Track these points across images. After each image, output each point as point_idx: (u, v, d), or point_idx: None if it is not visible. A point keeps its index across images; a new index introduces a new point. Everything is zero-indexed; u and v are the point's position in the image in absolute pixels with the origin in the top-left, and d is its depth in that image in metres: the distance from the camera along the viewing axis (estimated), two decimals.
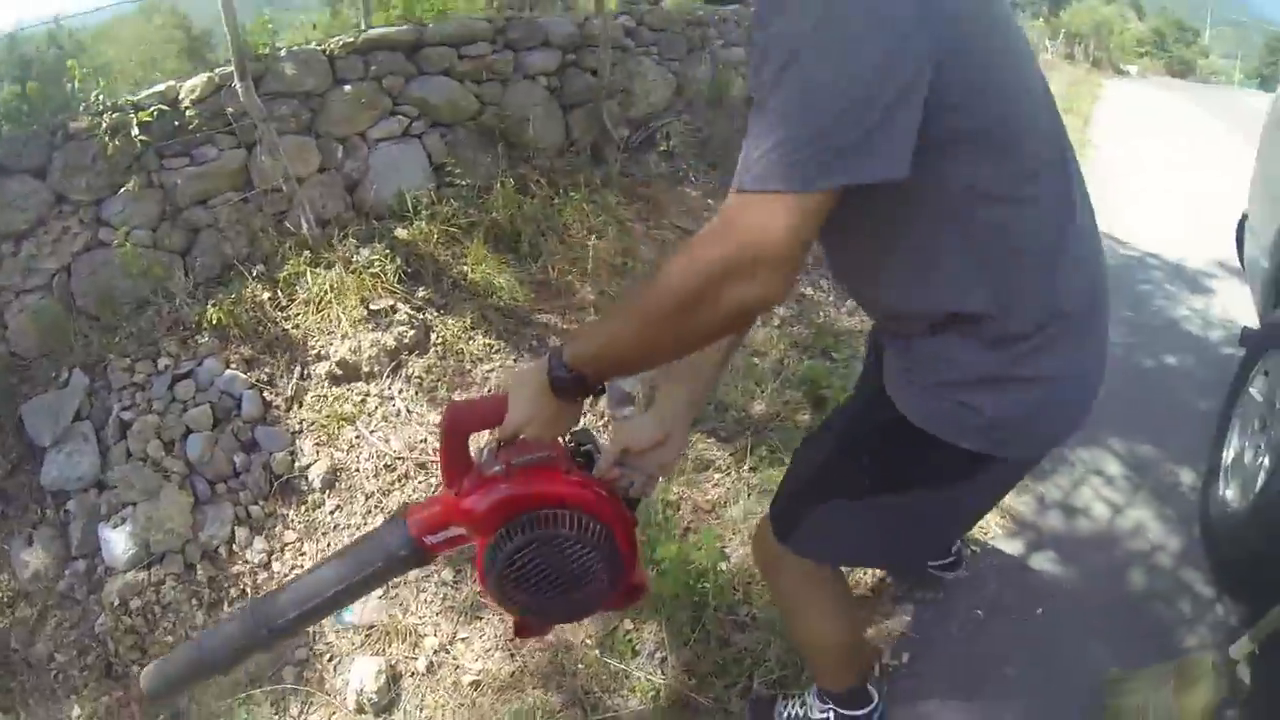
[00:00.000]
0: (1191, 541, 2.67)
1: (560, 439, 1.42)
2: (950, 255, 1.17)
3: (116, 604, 2.76)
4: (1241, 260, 3.31)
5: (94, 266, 3.47)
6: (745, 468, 3.03)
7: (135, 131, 3.35)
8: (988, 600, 2.45)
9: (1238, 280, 3.80)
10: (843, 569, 1.89)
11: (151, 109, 3.40)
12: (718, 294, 1.01)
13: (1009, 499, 2.82)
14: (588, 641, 2.43)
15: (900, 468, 1.40)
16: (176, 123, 3.51)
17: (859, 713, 1.93)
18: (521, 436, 1.32)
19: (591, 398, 1.31)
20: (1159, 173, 8.36)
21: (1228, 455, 2.64)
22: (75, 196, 3.41)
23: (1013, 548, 2.69)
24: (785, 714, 2.07)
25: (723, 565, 2.50)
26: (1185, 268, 5.39)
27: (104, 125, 3.31)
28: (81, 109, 3.41)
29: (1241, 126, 3.44)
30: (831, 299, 4.44)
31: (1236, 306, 3.05)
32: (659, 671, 2.31)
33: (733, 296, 1.01)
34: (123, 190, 3.43)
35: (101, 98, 3.41)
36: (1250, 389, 2.63)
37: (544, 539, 1.32)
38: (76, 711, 2.55)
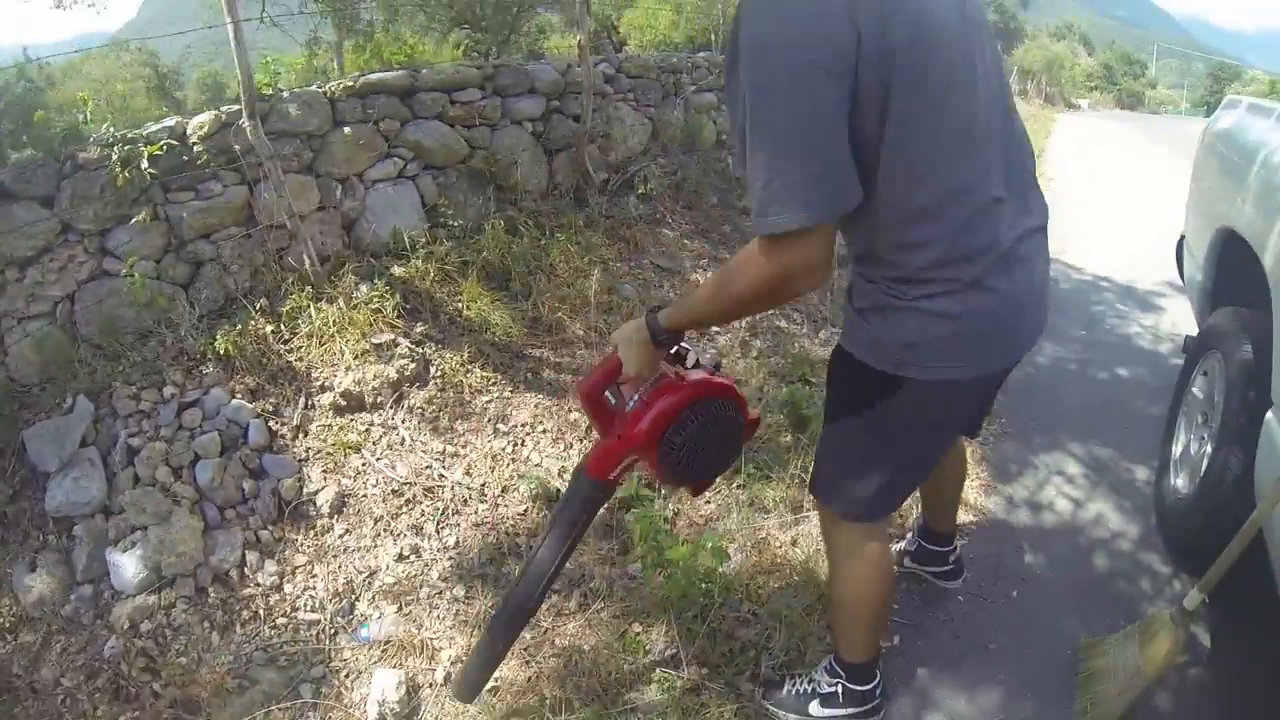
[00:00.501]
0: (1148, 529, 3.05)
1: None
2: (873, 217, 1.55)
3: (127, 627, 2.84)
4: (1182, 276, 3.69)
5: (99, 296, 3.55)
6: (735, 485, 3.29)
7: (145, 164, 3.47)
8: (967, 588, 2.78)
9: (1184, 298, 4.12)
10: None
11: (161, 143, 3.52)
12: (769, 294, 1.57)
13: (980, 499, 3.20)
14: (599, 646, 2.61)
15: (837, 390, 1.92)
16: (185, 157, 3.64)
17: (865, 687, 2.22)
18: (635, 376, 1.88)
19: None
20: (1111, 200, 8.88)
21: (1176, 449, 3.02)
22: (82, 226, 3.50)
23: (986, 541, 3.04)
24: (794, 690, 2.33)
25: (722, 568, 2.74)
26: (1136, 289, 5.80)
27: (115, 157, 3.42)
28: (91, 140, 3.52)
29: (1187, 154, 3.75)
30: (805, 330, 4.70)
31: (1184, 322, 3.37)
32: (671, 664, 2.52)
33: (782, 293, 1.56)
34: (132, 221, 3.53)
35: (111, 130, 3.51)
36: (1193, 389, 2.99)
37: (703, 419, 1.91)
38: None
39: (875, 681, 2.24)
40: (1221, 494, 2.42)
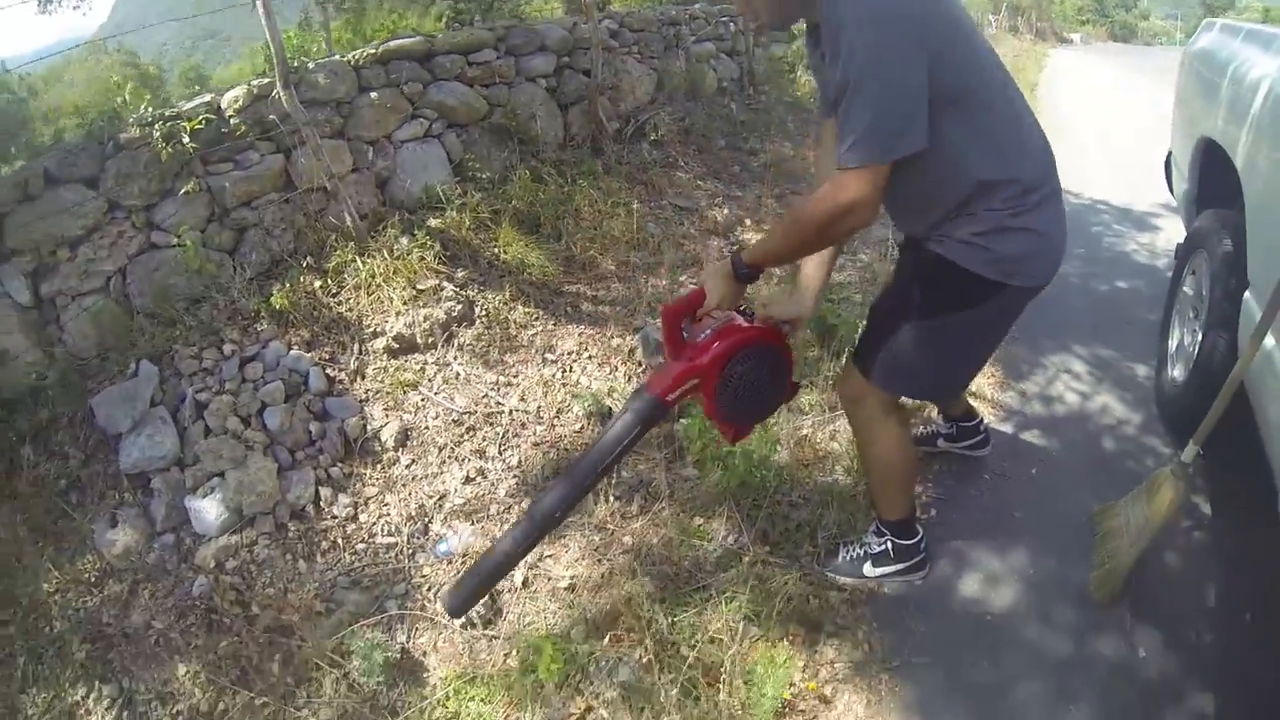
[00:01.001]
0: (1150, 417, 3.22)
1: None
2: (967, 164, 1.84)
3: (213, 566, 2.87)
4: (1171, 189, 3.82)
5: (150, 267, 3.57)
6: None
7: (186, 139, 3.47)
8: (991, 469, 2.97)
9: (1177, 219, 4.23)
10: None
11: (199, 118, 3.52)
12: (837, 226, 1.80)
13: (997, 394, 3.34)
14: (666, 540, 2.69)
15: (940, 299, 2.02)
16: (223, 130, 3.64)
17: (910, 541, 2.45)
18: (713, 310, 2.12)
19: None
20: (1105, 130, 8.83)
21: (1172, 344, 3.19)
22: (128, 202, 3.51)
23: (1006, 429, 3.19)
24: (848, 555, 2.54)
25: (774, 457, 2.87)
26: (1131, 210, 5.82)
27: (157, 134, 3.43)
28: (132, 121, 3.52)
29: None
30: None
31: (1177, 238, 3.43)
32: (735, 547, 2.64)
33: (846, 226, 1.81)
34: (181, 192, 3.55)
35: (149, 110, 3.52)
36: (1184, 288, 3.10)
37: (757, 361, 2.12)
38: (183, 670, 2.63)
39: (919, 537, 2.47)
40: (1211, 372, 2.55)
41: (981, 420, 2.95)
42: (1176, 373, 3.05)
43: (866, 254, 4.73)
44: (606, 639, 2.40)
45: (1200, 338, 2.75)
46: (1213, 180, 3.05)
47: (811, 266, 2.24)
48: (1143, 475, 2.49)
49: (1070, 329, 3.95)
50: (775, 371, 2.18)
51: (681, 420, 3.14)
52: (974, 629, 2.37)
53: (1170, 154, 3.82)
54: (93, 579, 2.90)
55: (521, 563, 2.71)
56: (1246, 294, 2.37)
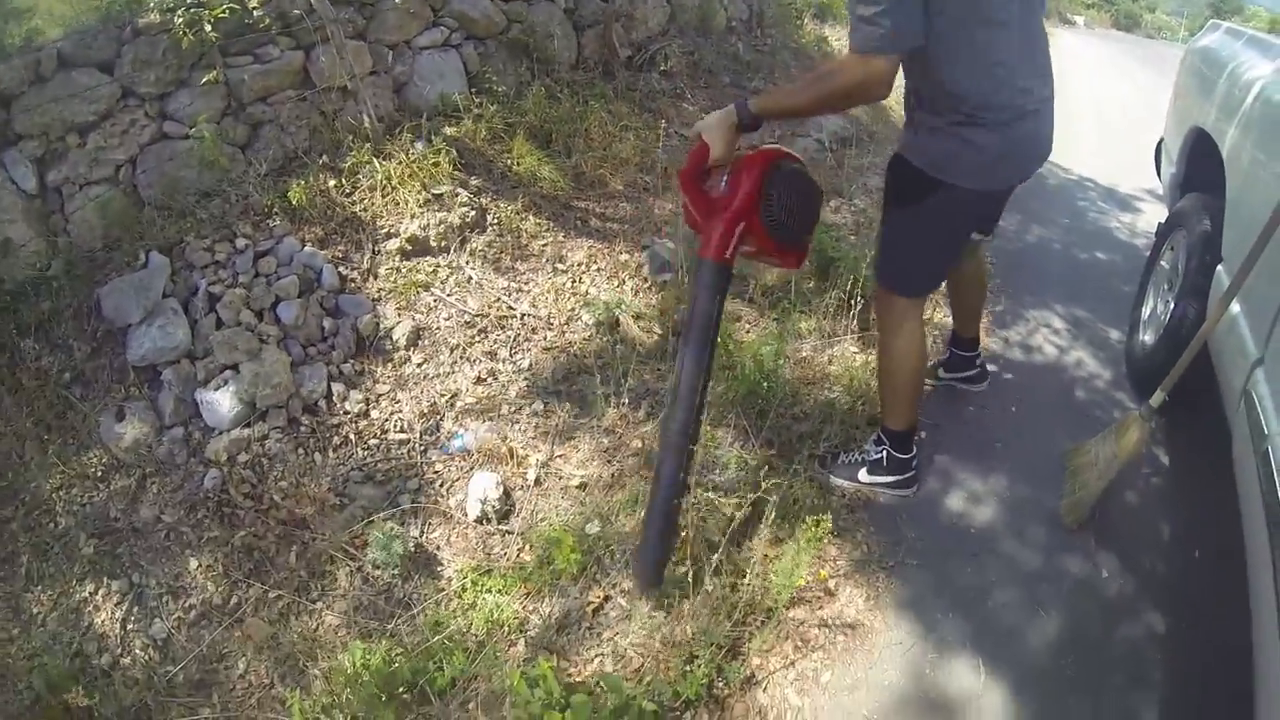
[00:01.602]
0: (1118, 375, 3.30)
1: None
2: (937, 71, 1.94)
3: (225, 459, 2.73)
4: (1159, 173, 3.87)
5: (162, 158, 3.36)
6: (770, 318, 3.30)
7: (209, 28, 3.24)
8: (976, 402, 3.05)
9: (1160, 204, 4.29)
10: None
11: (222, 7, 3.29)
12: (854, 97, 1.93)
13: (981, 338, 3.23)
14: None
15: (900, 192, 2.19)
16: (246, 22, 3.41)
17: (905, 456, 2.52)
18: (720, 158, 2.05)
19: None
20: (1099, 113, 8.68)
21: (1145, 312, 3.27)
22: (143, 90, 3.28)
23: (989, 369, 3.17)
24: (845, 460, 2.60)
25: (779, 367, 2.85)
26: (1117, 191, 5.75)
27: (179, 20, 3.19)
28: (153, 5, 3.28)
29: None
30: None
31: (1158, 221, 3.47)
32: (743, 449, 2.63)
33: (861, 98, 1.94)
34: (203, 81, 3.33)
35: None
36: (1161, 262, 3.21)
37: (783, 180, 2.04)
38: (194, 563, 2.53)
39: (913, 454, 2.54)
40: (1180, 336, 2.62)
41: (979, 355, 3.03)
42: (1147, 337, 3.14)
43: (861, 200, 4.64)
44: (628, 525, 2.35)
45: (1173, 306, 2.86)
46: (1199, 167, 3.14)
47: None
48: (1109, 422, 2.60)
49: (1052, 289, 4.00)
50: (801, 179, 2.11)
51: None
52: (959, 539, 2.48)
53: (1162, 140, 3.89)
54: (99, 473, 2.76)
55: (534, 461, 2.63)
56: (1219, 268, 2.54)
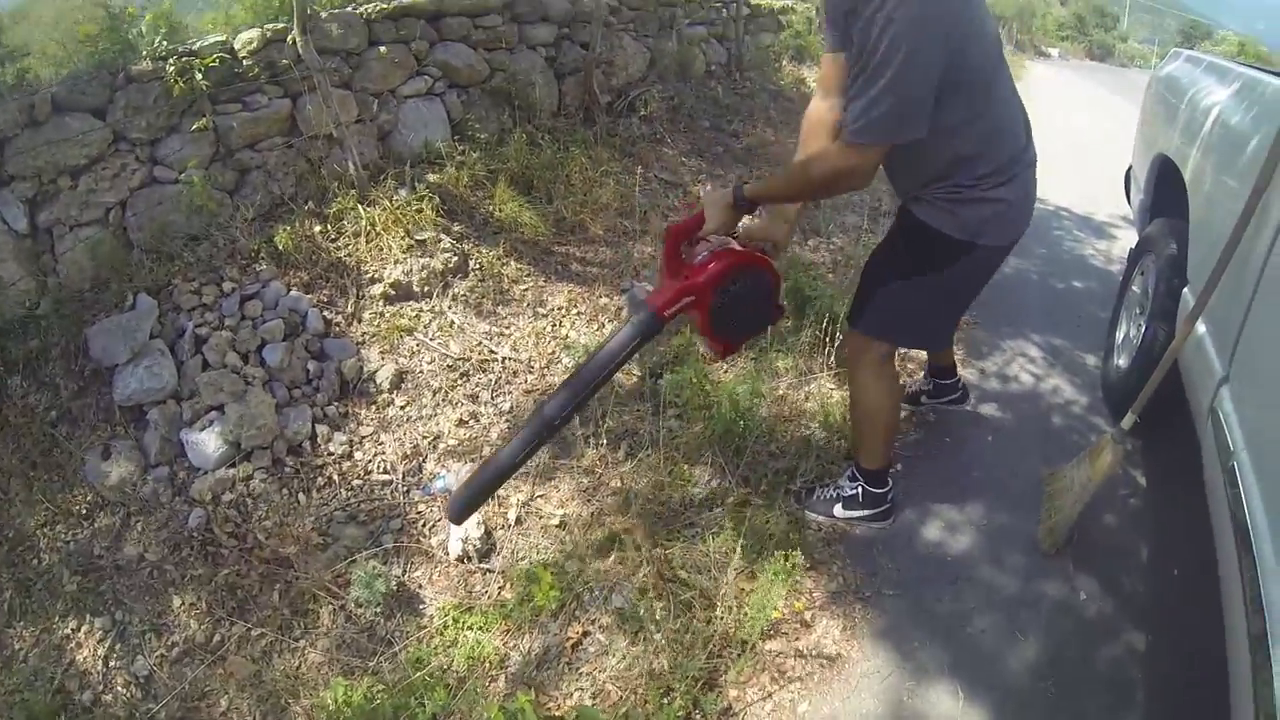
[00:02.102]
0: (1096, 400, 3.37)
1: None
2: (952, 143, 1.99)
3: (210, 499, 2.78)
4: (1129, 200, 3.99)
5: (151, 201, 3.44)
6: (750, 358, 3.38)
7: (199, 76, 3.34)
8: (953, 433, 3.13)
9: (1133, 230, 4.32)
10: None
11: (213, 56, 3.40)
12: (836, 186, 2.16)
13: (959, 370, 3.33)
14: (653, 483, 2.69)
15: (920, 256, 2.20)
16: (235, 71, 3.52)
17: (880, 490, 2.58)
18: (709, 236, 2.22)
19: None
20: (1073, 143, 8.90)
21: (1119, 336, 3.33)
22: (134, 135, 3.36)
23: (966, 403, 3.25)
24: (821, 495, 2.66)
25: (755, 407, 2.90)
26: (1093, 219, 5.93)
27: (170, 69, 3.30)
28: (144, 54, 3.38)
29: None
30: (795, 239, 4.75)
31: (1132, 246, 3.59)
32: (719, 490, 2.70)
33: (843, 188, 2.15)
34: (193, 128, 3.42)
35: (164, 44, 3.39)
36: (1132, 287, 3.28)
37: (749, 282, 2.19)
38: (178, 601, 2.55)
39: (889, 488, 2.60)
40: (1152, 358, 2.67)
41: (959, 378, 3.15)
42: (1122, 361, 3.19)
43: (839, 239, 4.76)
44: (605, 562, 2.41)
45: (1144, 329, 2.93)
46: (1165, 193, 3.23)
47: None
48: (1086, 447, 2.63)
49: (1028, 319, 4.09)
50: (765, 293, 2.25)
51: (665, 377, 3.14)
52: (936, 568, 2.52)
53: (1130, 168, 4.00)
54: (84, 511, 2.80)
55: (515, 502, 2.70)
56: (1185, 290, 2.61)
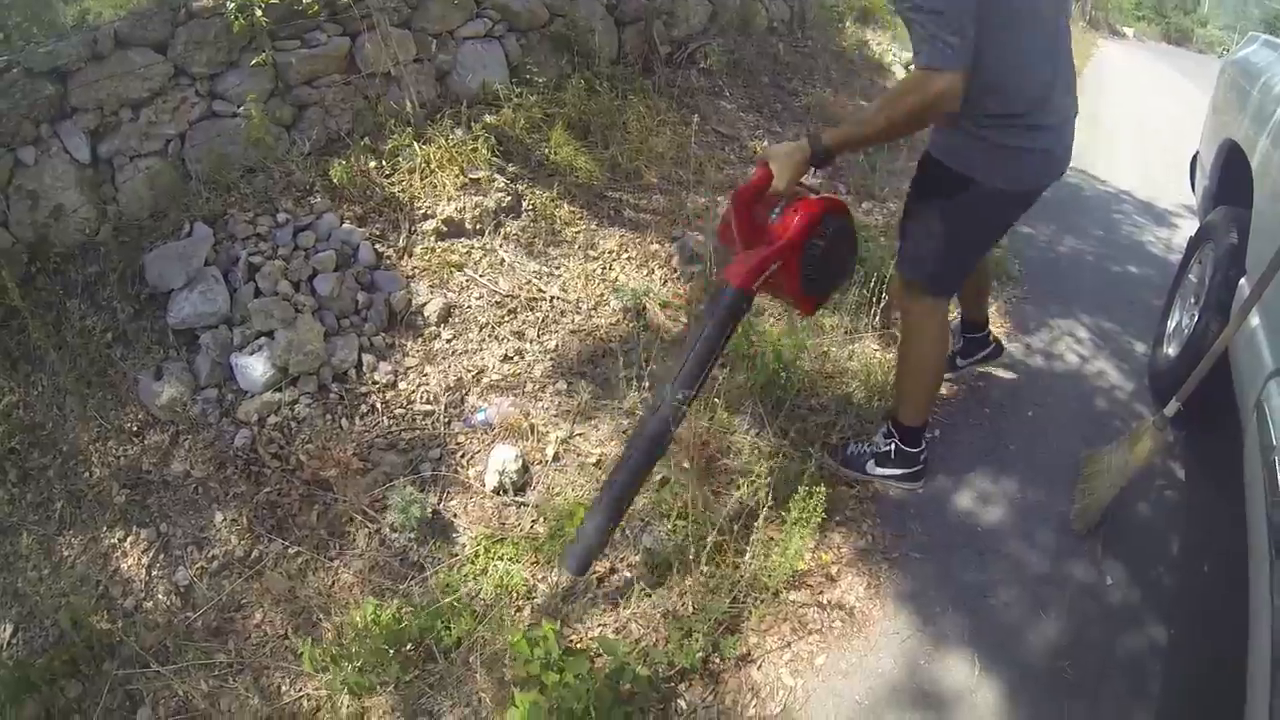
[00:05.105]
0: (1140, 387, 3.28)
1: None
2: (974, 76, 1.88)
3: (255, 420, 2.80)
4: (1193, 185, 3.85)
5: (210, 134, 3.45)
6: (796, 312, 3.20)
7: (259, 13, 3.34)
8: (993, 403, 3.08)
9: (1195, 220, 4.15)
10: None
11: None
12: (928, 114, 1.93)
13: (1004, 342, 3.30)
14: (692, 428, 2.57)
15: (929, 190, 2.22)
16: (295, 8, 3.50)
17: (914, 450, 2.54)
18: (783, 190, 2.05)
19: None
20: (1141, 127, 8.61)
21: (1170, 324, 3.24)
22: (194, 70, 3.38)
23: (1008, 375, 3.23)
24: (854, 450, 2.63)
25: (799, 362, 2.85)
26: (1154, 206, 5.69)
27: (232, 6, 3.30)
28: None
29: None
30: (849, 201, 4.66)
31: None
32: (757, 438, 2.64)
33: (935, 114, 1.94)
34: (252, 63, 3.43)
35: None
36: (1189, 275, 3.19)
37: (836, 228, 2.10)
38: (220, 517, 2.58)
39: (922, 448, 2.55)
40: (1202, 349, 2.56)
41: (989, 333, 3.08)
42: (1171, 350, 3.10)
43: (893, 204, 4.62)
44: (640, 501, 2.35)
45: (1196, 319, 2.84)
46: (1231, 180, 3.12)
47: None
48: (1127, 432, 2.56)
49: (1079, 300, 3.97)
50: (848, 237, 2.17)
51: None
52: (965, 536, 2.48)
53: (1196, 153, 3.88)
54: (134, 429, 2.83)
55: (554, 438, 2.66)
56: (1242, 281, 2.56)
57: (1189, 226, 5.07)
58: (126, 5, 3.55)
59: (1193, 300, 3.07)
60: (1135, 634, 2.19)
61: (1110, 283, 4.26)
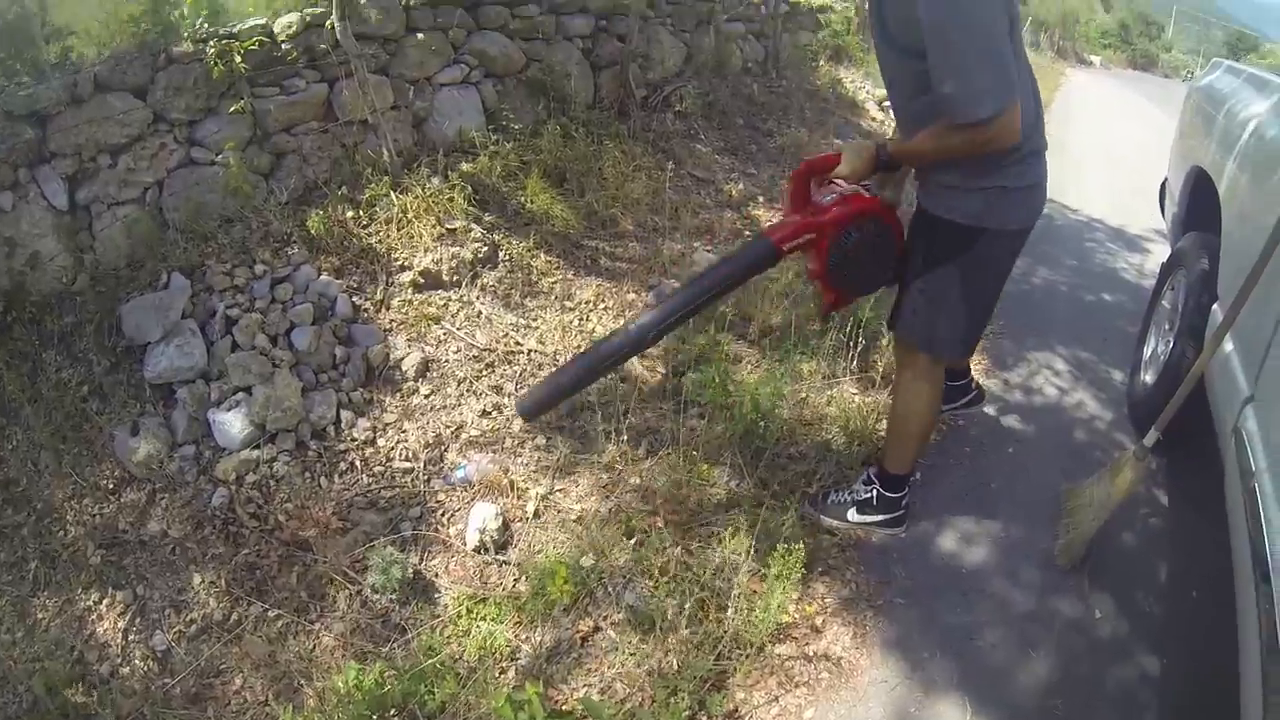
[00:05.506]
0: (1120, 416, 3.35)
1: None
2: None
3: (233, 479, 2.82)
4: (1163, 212, 3.94)
5: (188, 182, 3.49)
6: (773, 359, 3.38)
7: (238, 59, 3.39)
8: (972, 443, 3.13)
9: (1167, 244, 4.31)
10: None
11: (252, 39, 3.44)
12: (986, 149, 1.94)
13: (981, 379, 3.40)
14: (672, 480, 2.69)
15: (936, 251, 2.20)
16: (274, 55, 3.56)
17: (895, 495, 2.58)
18: (839, 180, 2.22)
19: None
20: (1110, 154, 8.82)
21: (1146, 352, 3.31)
22: (173, 116, 3.41)
23: (988, 412, 3.30)
24: (834, 499, 2.66)
25: (776, 409, 2.90)
26: (1126, 232, 5.85)
27: (211, 51, 3.35)
28: (187, 36, 3.43)
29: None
30: None
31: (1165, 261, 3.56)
32: (737, 489, 2.71)
33: (993, 151, 1.95)
34: (230, 111, 3.48)
35: (205, 26, 3.44)
36: (1162, 302, 3.27)
37: (874, 231, 2.21)
38: (198, 579, 2.59)
39: (904, 494, 2.59)
40: (1178, 375, 2.62)
41: (971, 379, 3.14)
42: (1148, 377, 3.16)
43: None
44: (622, 558, 2.42)
45: (1171, 345, 2.91)
46: (1199, 206, 3.20)
47: None
48: (1109, 463, 2.61)
49: (1055, 331, 4.07)
50: (885, 246, 2.26)
51: (690, 375, 3.16)
52: (950, 579, 2.52)
53: (1165, 180, 3.97)
54: (110, 486, 2.84)
55: (534, 495, 2.71)
56: (1215, 306, 2.61)
57: (1161, 251, 5.23)
58: (110, 44, 3.56)
59: (1167, 327, 3.13)
60: (1126, 666, 2.23)
61: (1085, 312, 4.38)
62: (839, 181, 2.25)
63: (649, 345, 2.31)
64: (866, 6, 2.25)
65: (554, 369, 2.44)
